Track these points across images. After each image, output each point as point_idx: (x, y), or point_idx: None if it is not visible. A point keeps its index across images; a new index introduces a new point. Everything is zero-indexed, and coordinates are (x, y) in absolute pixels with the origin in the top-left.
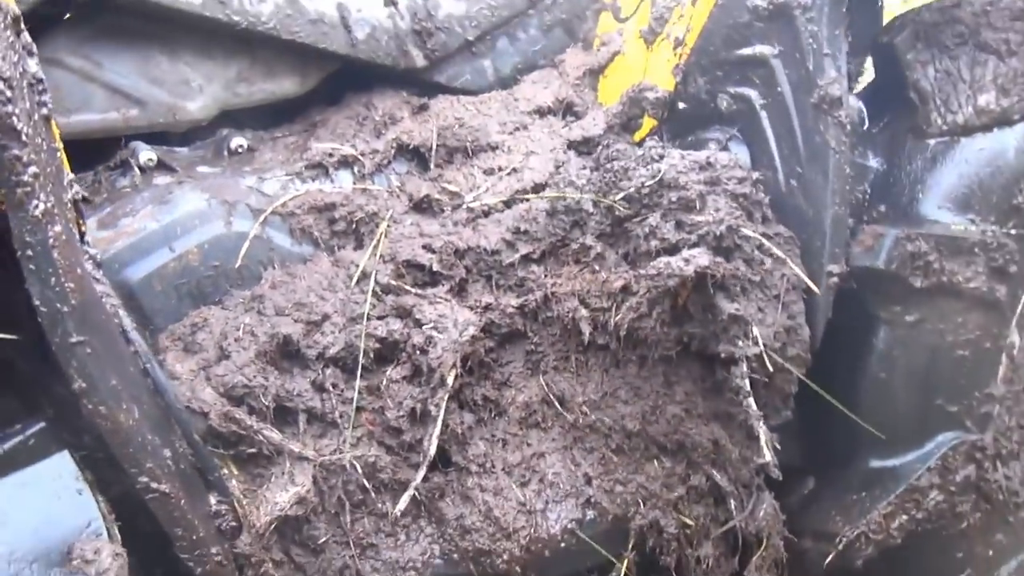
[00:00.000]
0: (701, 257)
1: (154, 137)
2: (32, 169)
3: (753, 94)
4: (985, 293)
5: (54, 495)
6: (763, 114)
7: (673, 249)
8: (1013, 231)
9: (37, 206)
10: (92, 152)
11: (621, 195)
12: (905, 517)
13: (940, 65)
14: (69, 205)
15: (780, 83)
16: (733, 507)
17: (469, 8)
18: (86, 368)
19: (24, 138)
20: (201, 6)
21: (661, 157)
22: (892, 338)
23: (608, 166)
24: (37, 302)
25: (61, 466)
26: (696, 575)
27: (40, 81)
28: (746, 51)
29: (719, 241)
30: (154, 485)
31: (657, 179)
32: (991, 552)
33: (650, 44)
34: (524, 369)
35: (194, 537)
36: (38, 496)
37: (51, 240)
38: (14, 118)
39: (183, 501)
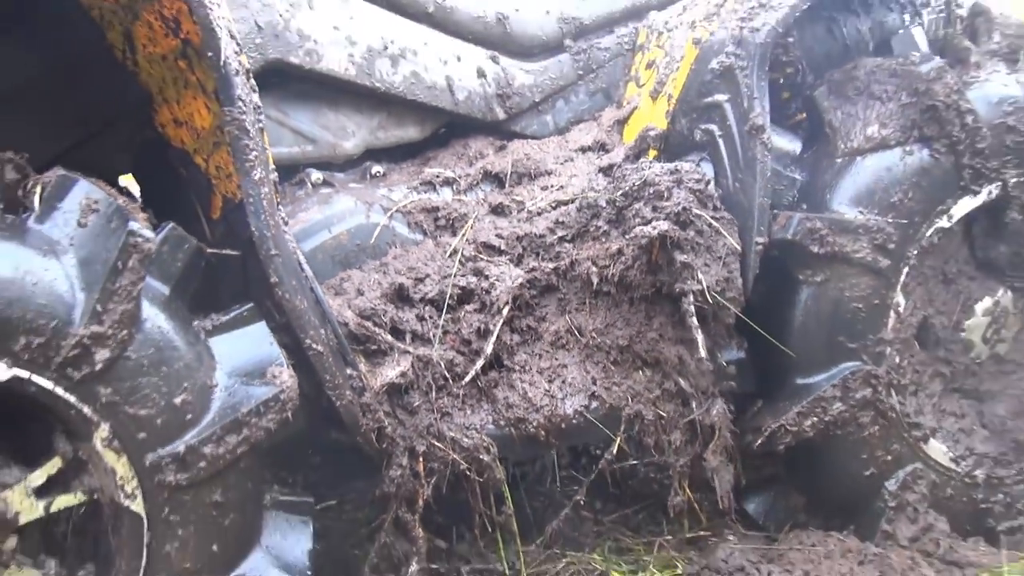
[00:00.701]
0: (662, 224)
1: (321, 165)
2: (254, 153)
3: (715, 128)
4: (871, 262)
5: (257, 343)
6: (720, 141)
7: (648, 223)
8: (891, 219)
9: (256, 174)
10: (281, 175)
11: (620, 193)
12: (815, 419)
13: (844, 109)
14: (273, 180)
15: (729, 119)
16: (694, 405)
17: (536, 79)
18: (279, 270)
19: (251, 134)
20: (356, 76)
21: (645, 168)
22: (807, 293)
23: (616, 177)
24: (252, 229)
25: (261, 329)
26: (668, 454)
27: (259, 107)
28: (709, 99)
29: (678, 217)
30: (314, 346)
31: (642, 180)
32: (890, 457)
33: (655, 99)
34: (556, 309)
35: (336, 382)
36: (249, 343)
37: (262, 194)
38: (247, 123)
39: (330, 359)
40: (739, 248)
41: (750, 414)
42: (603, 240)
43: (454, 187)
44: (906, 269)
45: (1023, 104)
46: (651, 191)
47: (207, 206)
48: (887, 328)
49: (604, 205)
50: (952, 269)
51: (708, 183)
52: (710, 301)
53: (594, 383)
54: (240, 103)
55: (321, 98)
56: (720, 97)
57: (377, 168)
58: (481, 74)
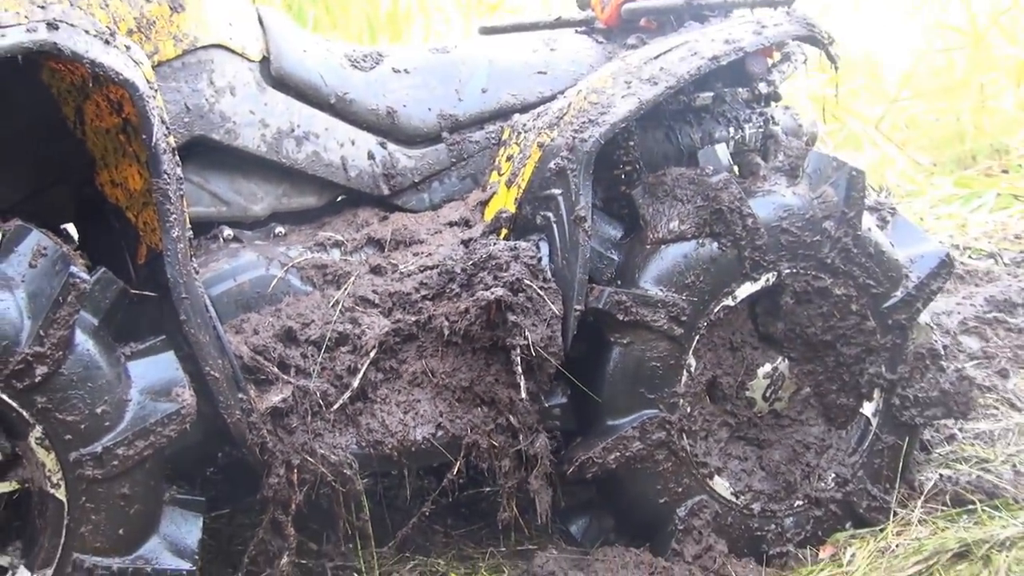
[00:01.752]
0: (498, 290)
1: (233, 223)
2: (174, 215)
3: (551, 215)
4: (667, 330)
5: (166, 368)
6: (554, 226)
7: (489, 289)
8: (685, 296)
9: (175, 232)
10: (198, 230)
11: (471, 263)
12: (617, 453)
13: (654, 207)
14: (188, 237)
15: (561, 209)
16: (521, 438)
17: (417, 163)
18: (187, 310)
19: (172, 201)
20: (266, 152)
21: (492, 244)
22: (616, 352)
23: (471, 249)
24: (169, 276)
25: (170, 357)
26: (499, 477)
27: (181, 178)
28: (547, 192)
29: (512, 286)
30: (212, 373)
31: (488, 254)
32: (680, 489)
33: (509, 187)
34: (414, 355)
35: (229, 403)
36: (159, 368)
37: (179, 249)
38: (170, 192)
39: (225, 385)
40: (560, 313)
41: (570, 449)
42: (455, 300)
43: (342, 249)
44: (697, 337)
45: (796, 211)
46: (493, 263)
47: (134, 253)
48: (680, 384)
49: (459, 272)
50: (738, 339)
51: (540, 259)
52: (534, 354)
53: (441, 416)
54: (166, 175)
55: (236, 168)
56: (555, 191)
57: (280, 229)
58: (371, 156)
